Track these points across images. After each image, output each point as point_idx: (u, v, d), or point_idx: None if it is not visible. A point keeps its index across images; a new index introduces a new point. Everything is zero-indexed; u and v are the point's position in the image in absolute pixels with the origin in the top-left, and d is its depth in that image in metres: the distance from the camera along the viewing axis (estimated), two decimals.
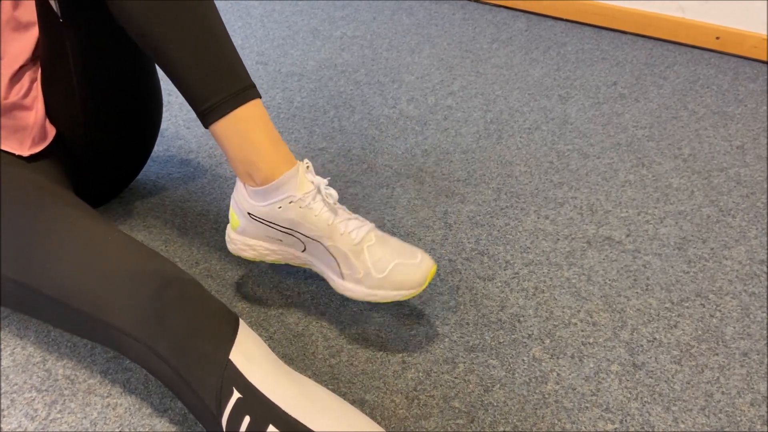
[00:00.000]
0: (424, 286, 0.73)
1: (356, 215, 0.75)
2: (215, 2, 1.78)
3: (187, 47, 0.68)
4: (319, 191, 0.72)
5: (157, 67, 1.02)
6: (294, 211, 0.71)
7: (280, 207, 0.71)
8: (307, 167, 0.73)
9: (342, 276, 0.74)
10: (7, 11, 0.78)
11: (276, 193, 0.71)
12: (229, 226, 0.78)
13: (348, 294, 0.74)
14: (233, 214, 0.76)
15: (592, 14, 1.67)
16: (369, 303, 0.84)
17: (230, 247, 0.78)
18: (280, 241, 0.75)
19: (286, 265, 0.87)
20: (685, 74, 1.46)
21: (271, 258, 0.78)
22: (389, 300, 0.73)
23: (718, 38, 1.54)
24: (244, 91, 0.70)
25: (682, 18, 1.57)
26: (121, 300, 0.62)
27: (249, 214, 0.74)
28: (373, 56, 1.51)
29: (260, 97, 0.72)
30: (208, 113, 0.70)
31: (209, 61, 0.69)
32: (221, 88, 0.69)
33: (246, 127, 0.70)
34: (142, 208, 1.01)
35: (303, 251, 0.76)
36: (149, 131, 0.96)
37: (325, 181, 0.73)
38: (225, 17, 1.70)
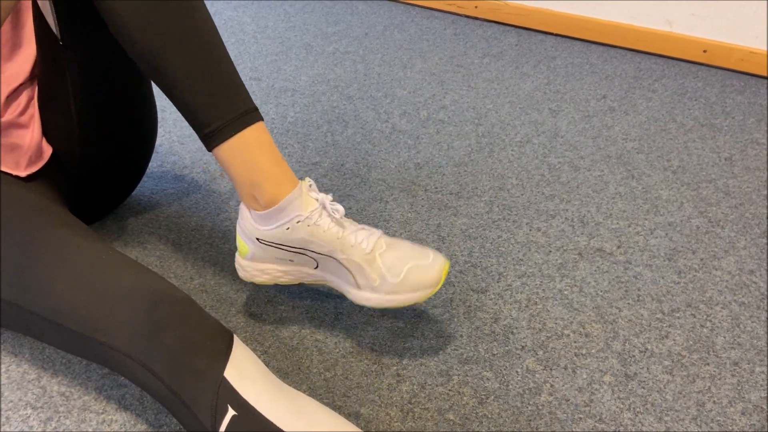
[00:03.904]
0: (440, 284, 0.75)
1: (363, 225, 0.76)
2: None
3: (189, 70, 0.67)
4: (324, 207, 0.73)
5: (153, 86, 1.02)
6: (303, 230, 0.72)
7: (288, 228, 0.71)
8: (310, 185, 0.74)
9: (358, 286, 0.74)
10: (6, 31, 0.79)
11: (282, 214, 0.71)
12: (237, 253, 0.78)
13: (366, 303, 0.75)
14: (241, 242, 0.76)
15: (581, 29, 1.70)
16: (382, 310, 0.85)
17: (241, 274, 0.78)
18: (291, 261, 0.75)
19: (300, 285, 0.87)
20: (673, 87, 1.48)
21: (284, 280, 0.77)
22: (409, 303, 0.74)
23: (705, 51, 1.56)
24: (247, 114, 0.70)
25: (670, 32, 1.59)
26: (115, 319, 0.63)
27: (258, 239, 0.74)
28: (365, 71, 1.53)
29: (263, 120, 0.72)
30: (211, 137, 0.69)
31: (212, 83, 0.68)
32: (224, 111, 0.69)
33: (250, 150, 0.70)
34: (137, 224, 1.01)
35: (315, 268, 0.76)
36: (144, 149, 0.96)
37: (329, 197, 0.73)
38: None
